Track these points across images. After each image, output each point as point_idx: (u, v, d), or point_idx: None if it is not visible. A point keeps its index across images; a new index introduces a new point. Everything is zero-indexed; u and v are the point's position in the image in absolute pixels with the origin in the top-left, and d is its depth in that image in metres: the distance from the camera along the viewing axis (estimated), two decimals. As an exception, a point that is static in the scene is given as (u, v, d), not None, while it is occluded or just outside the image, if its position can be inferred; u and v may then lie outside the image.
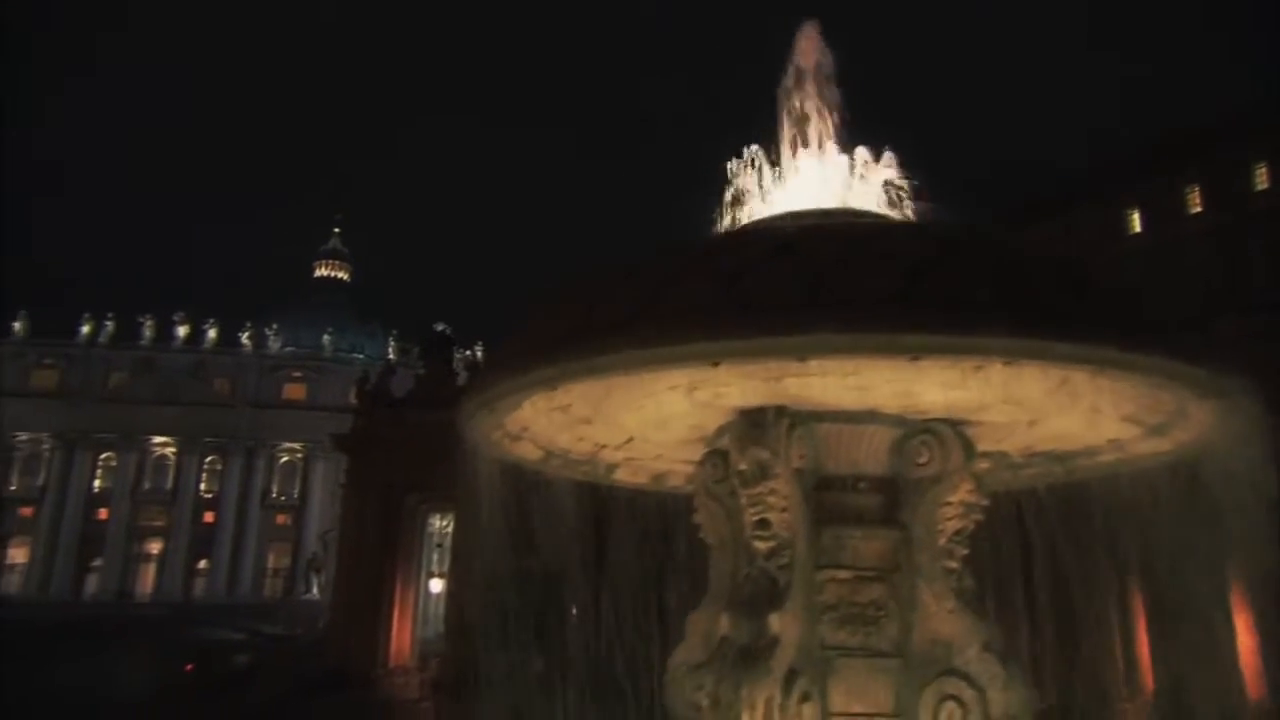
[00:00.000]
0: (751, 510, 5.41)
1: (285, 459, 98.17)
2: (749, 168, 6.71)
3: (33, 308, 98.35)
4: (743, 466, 5.40)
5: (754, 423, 5.37)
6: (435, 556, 45.25)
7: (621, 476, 7.71)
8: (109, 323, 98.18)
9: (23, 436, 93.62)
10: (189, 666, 41.70)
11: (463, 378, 41.66)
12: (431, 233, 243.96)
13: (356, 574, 37.71)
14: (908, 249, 4.47)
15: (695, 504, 6.49)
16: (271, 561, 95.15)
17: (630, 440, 7.23)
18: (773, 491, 5.35)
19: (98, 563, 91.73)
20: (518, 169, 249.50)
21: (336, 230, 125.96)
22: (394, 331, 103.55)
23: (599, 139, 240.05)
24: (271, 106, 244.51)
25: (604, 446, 7.25)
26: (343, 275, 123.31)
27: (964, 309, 4.11)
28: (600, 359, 4.42)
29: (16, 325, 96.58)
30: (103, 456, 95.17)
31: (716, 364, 4.35)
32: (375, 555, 37.32)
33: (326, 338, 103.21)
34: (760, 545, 5.37)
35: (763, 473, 5.34)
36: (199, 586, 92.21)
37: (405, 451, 36.09)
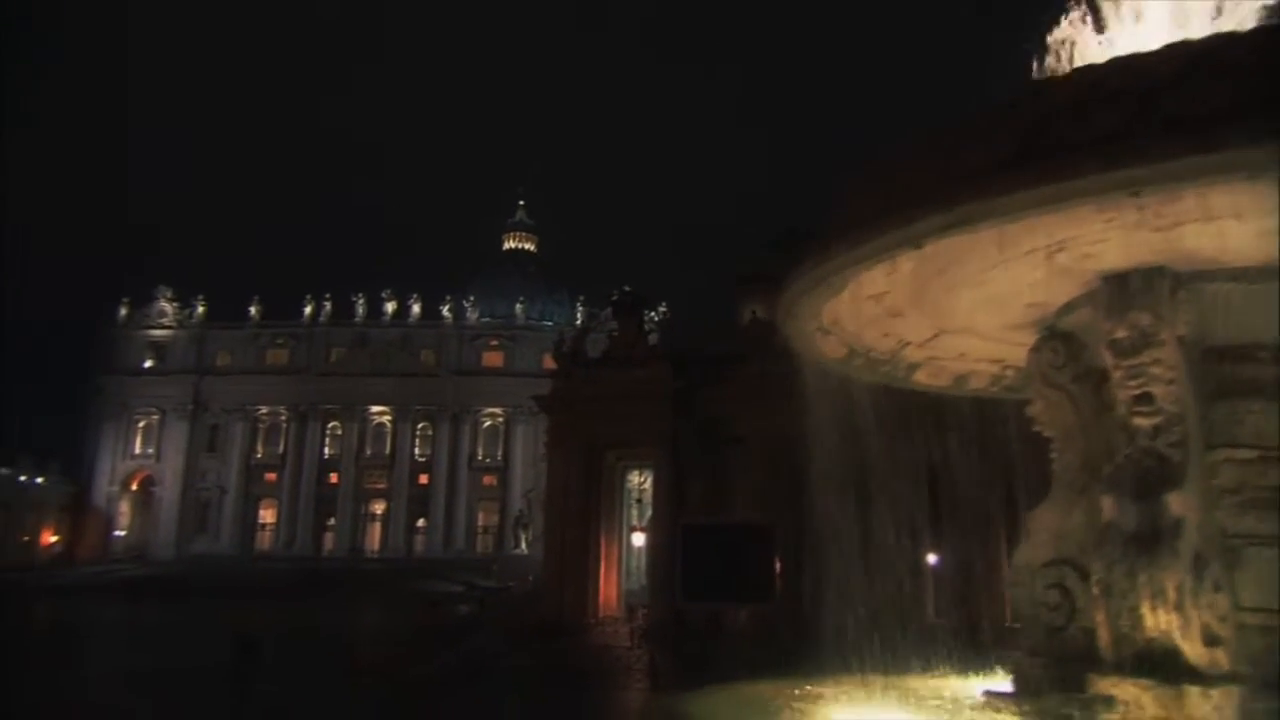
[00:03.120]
0: (1131, 383, 4.80)
1: (488, 423, 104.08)
2: (1080, 17, 5.97)
3: (263, 293, 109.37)
4: (1120, 334, 4.80)
5: (1130, 286, 4.74)
6: (635, 511, 46.49)
7: (921, 378, 7.25)
8: (327, 303, 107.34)
9: (263, 409, 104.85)
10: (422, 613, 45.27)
11: (654, 338, 42.01)
12: (612, 200, 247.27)
13: (564, 530, 39.08)
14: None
15: (1031, 394, 5.95)
16: (481, 520, 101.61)
17: (936, 336, 6.76)
18: (1156, 361, 4.71)
19: (332, 522, 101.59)
20: (691, 128, 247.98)
21: (521, 203, 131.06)
22: (581, 297, 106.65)
23: (780, 87, 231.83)
24: (456, 87, 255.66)
25: (907, 344, 6.83)
26: (529, 246, 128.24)
27: None
28: (997, 201, 3.94)
29: (251, 310, 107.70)
30: (330, 425, 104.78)
31: (1138, 193, 3.78)
32: (580, 511, 38.48)
33: (519, 306, 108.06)
34: (1143, 422, 4.76)
35: (1144, 341, 4.71)
36: (419, 543, 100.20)
37: (602, 410, 36.98)
